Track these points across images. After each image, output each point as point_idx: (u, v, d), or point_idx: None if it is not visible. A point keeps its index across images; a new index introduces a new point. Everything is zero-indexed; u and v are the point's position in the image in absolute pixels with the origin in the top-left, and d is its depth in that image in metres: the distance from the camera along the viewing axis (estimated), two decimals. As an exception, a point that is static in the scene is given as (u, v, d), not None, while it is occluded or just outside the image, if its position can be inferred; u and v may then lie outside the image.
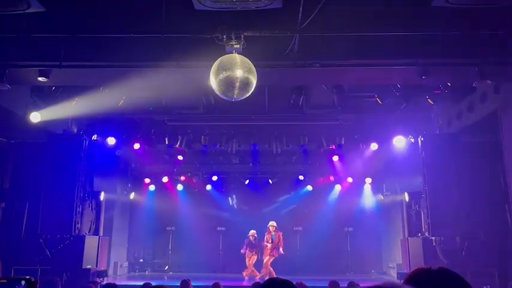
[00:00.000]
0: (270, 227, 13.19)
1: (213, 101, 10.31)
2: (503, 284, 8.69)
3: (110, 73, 8.07)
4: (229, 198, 17.30)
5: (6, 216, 10.14)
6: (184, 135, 12.86)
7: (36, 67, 7.73)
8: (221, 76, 6.00)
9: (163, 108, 10.67)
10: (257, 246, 13.39)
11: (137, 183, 15.72)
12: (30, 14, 6.39)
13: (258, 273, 12.95)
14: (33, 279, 2.00)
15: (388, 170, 13.75)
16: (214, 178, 16.23)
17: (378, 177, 15.30)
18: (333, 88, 9.93)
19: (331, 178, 15.90)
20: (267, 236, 13.19)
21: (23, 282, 1.98)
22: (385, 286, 1.01)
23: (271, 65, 7.37)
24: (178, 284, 7.13)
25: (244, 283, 12.27)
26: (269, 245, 12.95)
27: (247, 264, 13.24)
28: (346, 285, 7.36)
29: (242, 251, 13.36)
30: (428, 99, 10.15)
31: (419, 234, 11.61)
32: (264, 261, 13.02)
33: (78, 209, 10.98)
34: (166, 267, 16.27)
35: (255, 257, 13.28)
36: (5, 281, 2.01)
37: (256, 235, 13.46)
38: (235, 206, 17.29)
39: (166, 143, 12.95)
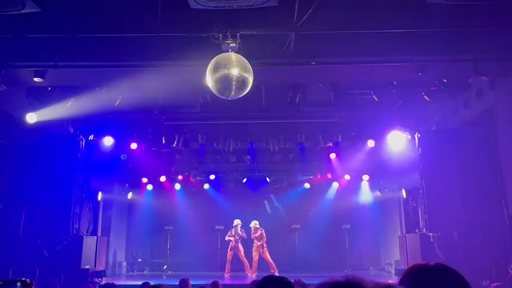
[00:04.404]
0: (252, 227, 13.54)
1: (209, 100, 10.29)
2: (501, 280, 8.70)
3: (106, 73, 8.04)
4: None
5: (4, 217, 10.10)
6: (181, 134, 12.81)
7: (32, 67, 7.69)
8: (217, 75, 5.99)
9: (160, 107, 10.65)
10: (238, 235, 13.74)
11: (135, 183, 15.67)
12: (25, 15, 6.35)
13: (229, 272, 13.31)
14: (28, 281, 1.99)
15: (385, 166, 13.75)
16: (212, 177, 16.21)
17: (375, 174, 15.30)
18: (330, 86, 9.94)
19: (329, 176, 15.89)
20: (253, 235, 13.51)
21: (18, 284, 1.96)
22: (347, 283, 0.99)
23: (268, 64, 7.37)
24: (177, 283, 7.13)
25: (243, 281, 12.26)
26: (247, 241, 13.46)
27: (228, 258, 13.59)
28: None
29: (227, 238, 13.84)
30: (425, 96, 10.16)
31: (417, 230, 11.64)
32: (255, 258, 13.20)
33: (75, 210, 10.97)
34: (165, 266, 16.25)
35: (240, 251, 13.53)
36: (0, 282, 2.00)
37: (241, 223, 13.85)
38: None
39: (163, 142, 12.92)
